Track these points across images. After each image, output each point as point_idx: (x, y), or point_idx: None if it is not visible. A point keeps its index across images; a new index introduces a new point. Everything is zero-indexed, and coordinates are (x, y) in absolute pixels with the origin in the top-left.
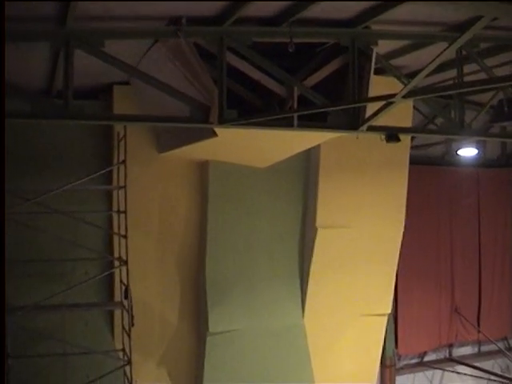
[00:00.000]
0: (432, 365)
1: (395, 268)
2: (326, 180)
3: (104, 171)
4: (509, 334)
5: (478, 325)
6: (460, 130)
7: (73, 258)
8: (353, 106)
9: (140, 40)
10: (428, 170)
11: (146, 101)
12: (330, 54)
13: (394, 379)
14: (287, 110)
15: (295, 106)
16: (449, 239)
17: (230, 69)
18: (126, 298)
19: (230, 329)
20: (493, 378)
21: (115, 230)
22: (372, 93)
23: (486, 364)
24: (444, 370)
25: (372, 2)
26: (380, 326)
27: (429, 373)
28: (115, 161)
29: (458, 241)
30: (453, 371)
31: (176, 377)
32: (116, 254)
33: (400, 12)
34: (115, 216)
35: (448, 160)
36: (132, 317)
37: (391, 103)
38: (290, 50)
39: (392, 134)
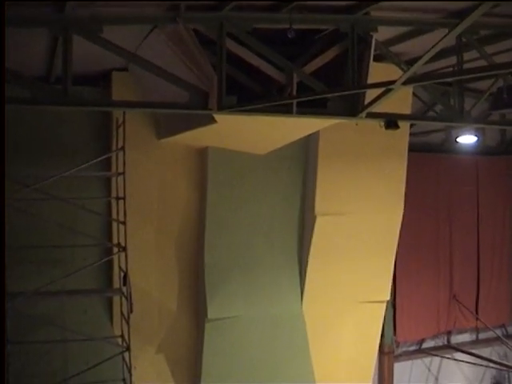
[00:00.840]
0: (430, 352)
1: (394, 255)
2: (325, 167)
3: (103, 158)
4: (507, 322)
5: (477, 312)
6: (459, 118)
7: (72, 244)
8: (352, 92)
9: (139, 26)
10: (427, 157)
11: (144, 87)
12: (329, 40)
13: (393, 366)
14: (286, 96)
15: (294, 92)
16: (448, 226)
17: (230, 55)
18: (124, 284)
19: (228, 315)
20: (491, 365)
21: (114, 216)
22: (371, 79)
23: (484, 351)
24: (442, 357)
25: None
26: (378, 313)
27: (427, 360)
28: (114, 147)
29: (457, 228)
30: (451, 358)
31: (175, 363)
32: (115, 241)
33: None
34: (114, 202)
35: (447, 147)
36: (131, 303)
37: (390, 90)
38: (290, 37)
39: (391, 121)
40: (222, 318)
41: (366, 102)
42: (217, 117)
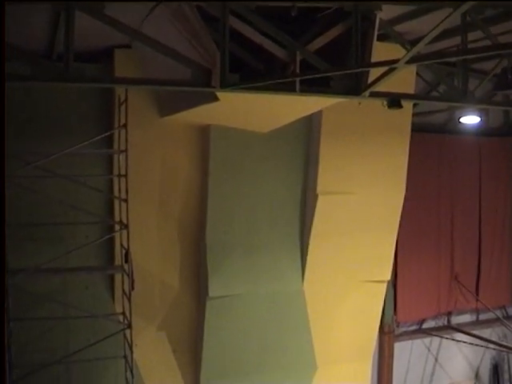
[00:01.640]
0: (430, 332)
1: (395, 235)
2: (328, 146)
3: (105, 135)
4: (507, 303)
5: (477, 293)
6: (463, 98)
7: (73, 221)
8: (355, 70)
9: (142, 3)
10: (430, 137)
11: (147, 64)
12: (332, 18)
13: (393, 346)
14: (289, 74)
15: (297, 70)
16: (449, 207)
17: (233, 33)
18: (126, 261)
19: (229, 294)
20: (490, 345)
21: (116, 194)
22: (375, 59)
23: (484, 332)
24: (442, 337)
25: None
26: (379, 292)
27: (427, 340)
28: (116, 125)
29: (459, 209)
30: (451, 339)
31: (176, 341)
32: (117, 218)
33: None
34: (116, 180)
35: (450, 128)
36: (132, 281)
37: (394, 69)
38: (293, 15)
39: (394, 100)
40: (224, 296)
41: (370, 81)
42: (219, 94)
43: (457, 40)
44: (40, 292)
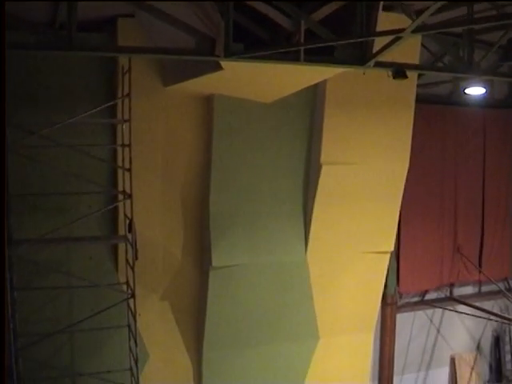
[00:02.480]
0: (433, 303)
1: (399, 206)
2: (332, 116)
3: (108, 104)
4: (509, 275)
5: (480, 265)
6: (468, 69)
7: (77, 191)
8: (360, 39)
9: None
10: (434, 108)
11: (151, 34)
12: None
13: (395, 317)
14: (294, 43)
15: (302, 39)
16: (453, 179)
17: (237, 2)
18: (129, 231)
19: (232, 263)
20: (492, 317)
21: (119, 163)
22: (380, 29)
23: (486, 304)
24: (444, 308)
25: None
26: (382, 263)
27: (429, 311)
28: (119, 94)
29: (462, 181)
30: (453, 310)
31: (179, 310)
32: (120, 188)
33: None
34: (119, 150)
35: (455, 99)
36: (136, 250)
37: (399, 38)
38: None
39: (399, 70)
40: (227, 266)
41: (375, 51)
42: (223, 64)
43: (463, 10)
44: (44, 262)
